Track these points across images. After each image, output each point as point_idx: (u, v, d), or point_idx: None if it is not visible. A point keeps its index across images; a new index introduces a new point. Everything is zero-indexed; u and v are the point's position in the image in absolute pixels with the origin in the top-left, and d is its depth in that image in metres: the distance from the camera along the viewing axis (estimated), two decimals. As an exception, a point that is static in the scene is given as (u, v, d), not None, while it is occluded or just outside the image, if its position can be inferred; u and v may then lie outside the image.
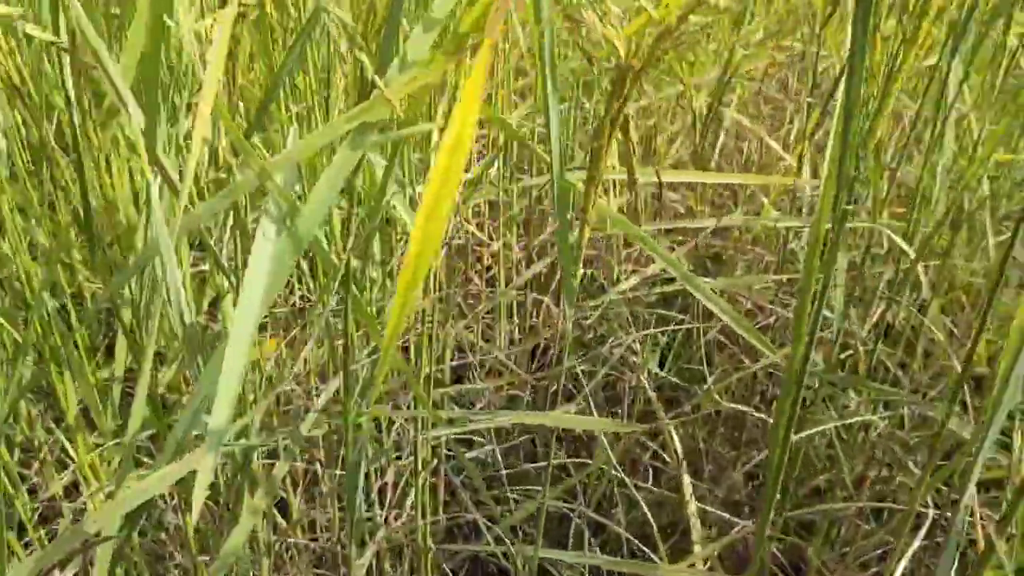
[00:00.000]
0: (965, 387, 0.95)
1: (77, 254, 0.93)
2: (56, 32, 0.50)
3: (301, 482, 1.10)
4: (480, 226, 1.41)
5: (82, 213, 0.59)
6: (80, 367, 0.72)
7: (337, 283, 0.56)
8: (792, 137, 1.60)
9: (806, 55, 1.55)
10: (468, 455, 1.16)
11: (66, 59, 0.53)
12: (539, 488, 1.20)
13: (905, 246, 0.87)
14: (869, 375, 1.20)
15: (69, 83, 0.53)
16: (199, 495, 0.36)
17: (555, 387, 1.45)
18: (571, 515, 1.12)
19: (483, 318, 1.40)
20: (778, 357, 0.85)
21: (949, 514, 1.15)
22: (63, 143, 0.85)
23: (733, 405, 1.05)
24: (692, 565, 0.94)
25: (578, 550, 1.03)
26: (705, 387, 1.27)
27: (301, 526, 1.00)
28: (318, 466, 1.09)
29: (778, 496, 1.16)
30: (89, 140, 0.53)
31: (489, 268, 1.47)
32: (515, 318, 1.43)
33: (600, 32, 0.58)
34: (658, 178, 0.85)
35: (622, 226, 0.76)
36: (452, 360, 1.30)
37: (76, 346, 0.77)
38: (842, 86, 0.44)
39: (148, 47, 0.46)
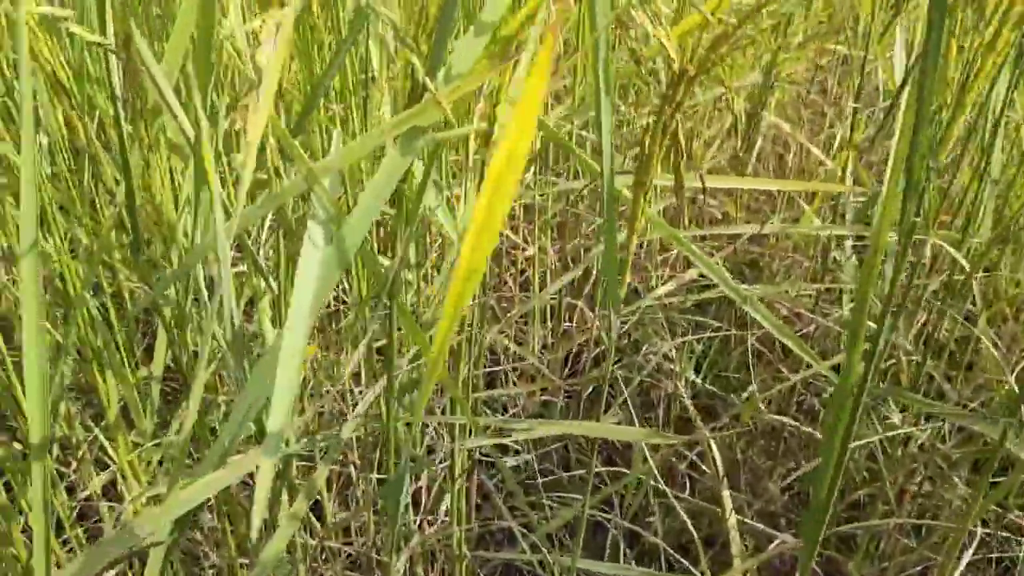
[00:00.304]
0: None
1: (118, 253, 0.94)
2: (103, 33, 0.50)
3: (335, 485, 1.09)
4: (515, 229, 1.40)
5: (126, 213, 0.59)
6: (121, 367, 0.72)
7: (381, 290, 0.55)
8: (834, 142, 1.57)
9: (849, 59, 1.52)
10: (503, 461, 1.15)
11: (111, 58, 0.53)
12: (573, 495, 1.18)
13: (961, 259, 0.84)
14: (911, 387, 1.17)
15: (116, 82, 0.53)
16: (259, 508, 0.35)
17: (590, 393, 1.43)
18: (605, 524, 1.11)
19: (516, 322, 1.39)
20: (824, 368, 0.83)
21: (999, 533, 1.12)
22: (103, 142, 0.85)
23: (774, 416, 1.03)
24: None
25: (614, 560, 1.02)
26: (743, 397, 1.25)
27: (335, 529, 0.99)
28: (352, 469, 1.08)
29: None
30: (135, 139, 0.52)
31: (523, 272, 1.46)
32: (548, 322, 1.42)
33: (652, 35, 0.57)
34: (702, 183, 0.83)
35: (663, 231, 0.75)
36: (485, 365, 1.29)
37: (117, 346, 0.77)
38: (906, 94, 0.42)
39: (198, 51, 0.45)
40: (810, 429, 1.14)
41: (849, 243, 1.23)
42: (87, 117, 0.70)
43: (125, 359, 0.76)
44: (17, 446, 0.90)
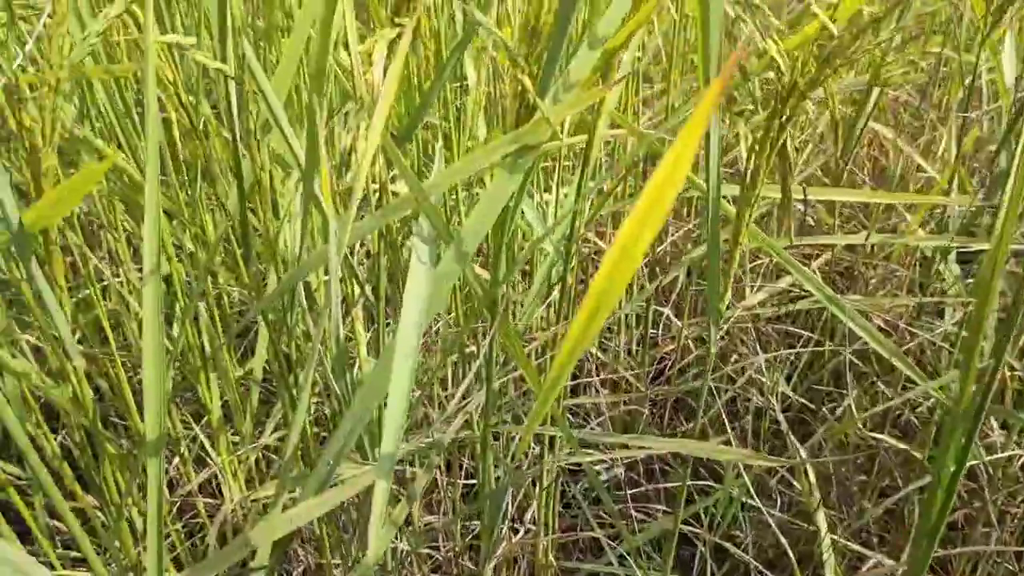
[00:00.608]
0: None
1: (220, 259, 0.97)
2: (222, 59, 0.52)
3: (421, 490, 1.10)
4: (601, 235, 1.39)
5: (238, 224, 0.61)
6: (226, 369, 0.74)
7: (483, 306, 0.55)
8: (934, 147, 1.51)
9: (948, 61, 1.46)
10: (594, 470, 1.14)
11: (230, 81, 0.55)
12: (659, 507, 1.17)
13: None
14: (1015, 402, 1.12)
15: (232, 100, 0.54)
16: (376, 530, 0.36)
17: (676, 403, 1.41)
18: (692, 538, 1.09)
19: (601, 330, 1.38)
20: (931, 388, 0.80)
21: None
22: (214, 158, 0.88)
23: (873, 435, 0.99)
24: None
25: (701, 576, 1.00)
26: (837, 411, 1.22)
27: (422, 534, 1.01)
28: (438, 474, 1.09)
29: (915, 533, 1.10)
30: (249, 156, 0.54)
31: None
32: (634, 330, 1.40)
33: (761, 47, 0.55)
34: (804, 196, 0.81)
35: (761, 242, 0.73)
36: (570, 374, 1.29)
37: (220, 348, 0.79)
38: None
39: (314, 71, 0.46)
40: (907, 447, 1.10)
41: (953, 255, 1.18)
42: (202, 135, 0.73)
43: (230, 363, 0.78)
44: (124, 443, 0.94)
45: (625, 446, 0.67)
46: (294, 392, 0.79)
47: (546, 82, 0.47)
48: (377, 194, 0.56)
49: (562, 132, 0.85)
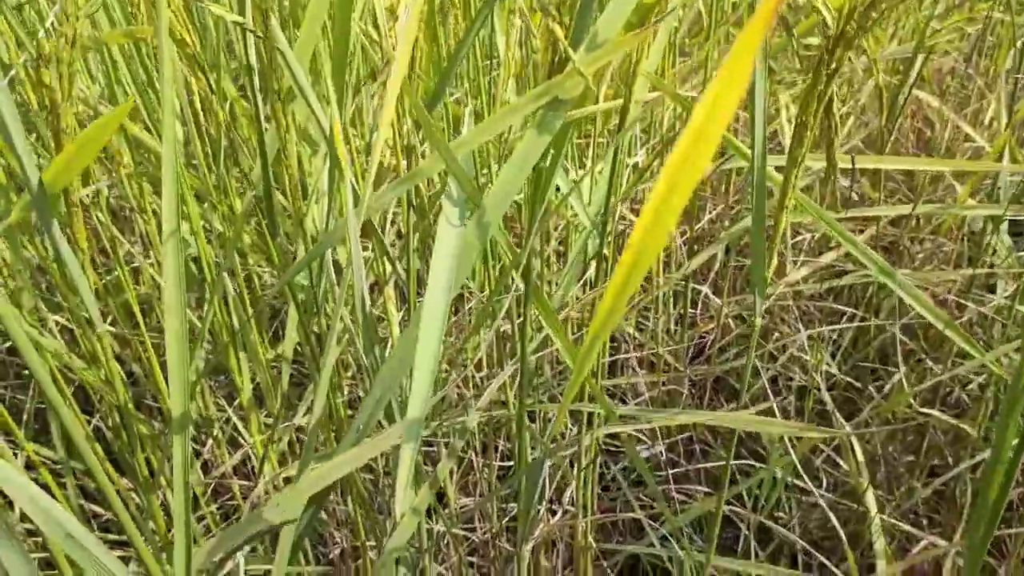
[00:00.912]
0: None
1: (248, 238, 0.96)
2: (241, 12, 0.50)
3: (455, 471, 1.09)
4: (636, 212, 1.36)
5: (262, 193, 0.59)
6: (256, 349, 0.73)
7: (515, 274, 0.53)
8: (981, 116, 1.45)
9: (1006, 26, 1.40)
10: (635, 448, 1.12)
11: (249, 42, 0.53)
12: (700, 487, 1.14)
13: None
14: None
15: (253, 63, 0.53)
16: (401, 489, 0.34)
17: (715, 383, 1.38)
18: (733, 519, 1.06)
19: (638, 308, 1.35)
20: (988, 360, 0.77)
21: None
22: (234, 127, 0.86)
23: (925, 411, 0.96)
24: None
25: (744, 557, 0.97)
26: (885, 390, 1.18)
27: (457, 515, 0.99)
28: (472, 455, 1.08)
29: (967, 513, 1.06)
30: (275, 122, 0.52)
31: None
32: (671, 309, 1.37)
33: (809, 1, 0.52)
34: (851, 164, 0.78)
35: (812, 212, 0.70)
36: (607, 352, 1.26)
37: (250, 329, 0.78)
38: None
39: (338, 32, 0.44)
40: (960, 424, 1.06)
41: (1005, 226, 1.13)
42: (221, 102, 0.72)
43: (259, 342, 0.77)
44: (157, 425, 0.93)
45: (668, 422, 0.64)
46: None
47: (579, 34, 0.45)
48: (406, 161, 0.54)
49: (596, 100, 0.83)
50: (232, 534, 0.53)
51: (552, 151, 0.59)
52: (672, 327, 1.37)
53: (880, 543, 0.90)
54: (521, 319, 0.51)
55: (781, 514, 1.13)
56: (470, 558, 1.08)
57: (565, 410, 0.38)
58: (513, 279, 0.63)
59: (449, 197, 0.48)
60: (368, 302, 0.51)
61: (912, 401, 1.00)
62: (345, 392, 1.02)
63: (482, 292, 0.89)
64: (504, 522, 1.03)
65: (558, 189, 0.83)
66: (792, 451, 0.85)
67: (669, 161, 0.24)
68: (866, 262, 0.72)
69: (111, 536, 0.91)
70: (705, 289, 1.34)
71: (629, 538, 1.21)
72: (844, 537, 0.79)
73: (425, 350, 0.38)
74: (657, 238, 0.27)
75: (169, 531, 0.82)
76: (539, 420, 1.05)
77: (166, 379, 0.73)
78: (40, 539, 0.83)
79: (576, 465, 0.82)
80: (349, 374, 1.06)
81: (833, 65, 0.51)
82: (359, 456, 0.46)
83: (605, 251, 0.69)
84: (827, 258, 1.20)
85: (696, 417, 0.67)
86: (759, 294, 0.58)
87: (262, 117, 0.53)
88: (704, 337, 1.43)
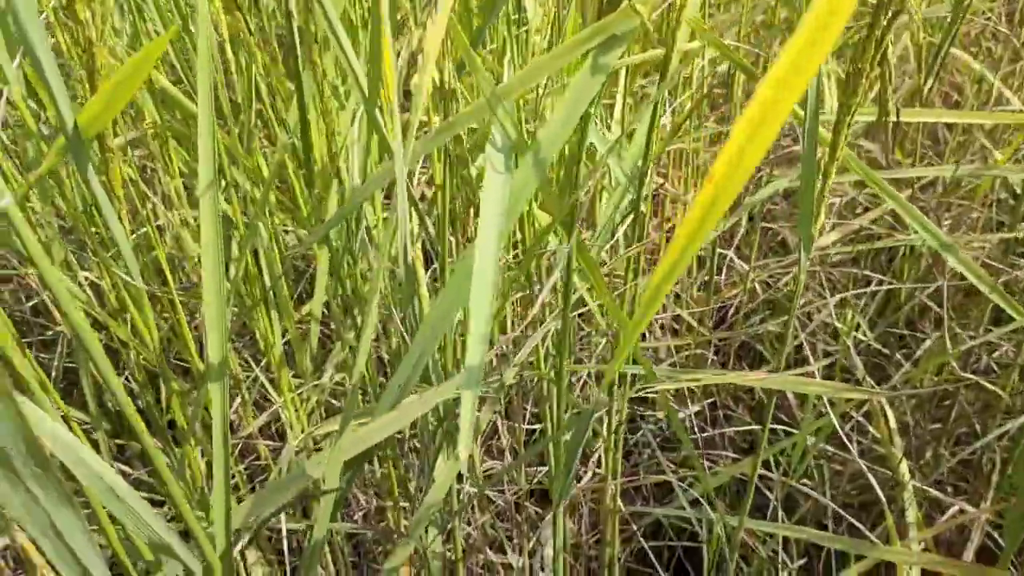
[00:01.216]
0: None
1: (272, 197, 0.94)
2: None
3: (482, 432, 1.08)
4: (664, 176, 1.34)
5: (299, 140, 0.58)
6: (287, 307, 0.72)
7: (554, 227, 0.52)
8: (1014, 79, 1.42)
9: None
10: (675, 410, 1.11)
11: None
12: (724, 453, 1.13)
13: None
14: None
15: (293, 7, 0.51)
16: (465, 440, 0.33)
17: (737, 348, 1.37)
18: (759, 484, 1.05)
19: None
20: (1031, 322, 0.75)
21: None
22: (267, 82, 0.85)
23: (967, 375, 0.94)
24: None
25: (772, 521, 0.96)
26: (915, 356, 1.16)
27: (484, 478, 0.99)
28: (497, 419, 1.07)
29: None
30: (313, 69, 0.51)
31: (668, 219, 1.40)
32: (696, 274, 1.36)
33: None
34: (897, 117, 0.76)
35: (856, 169, 0.68)
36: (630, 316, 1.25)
37: (279, 288, 0.77)
38: None
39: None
40: (995, 388, 1.05)
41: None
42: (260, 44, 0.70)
43: (288, 298, 0.76)
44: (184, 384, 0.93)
45: (713, 380, 0.63)
46: (358, 325, 0.76)
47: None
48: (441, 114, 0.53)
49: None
50: (272, 492, 0.53)
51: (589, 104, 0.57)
52: (695, 292, 1.36)
53: (912, 510, 0.89)
54: (566, 272, 0.49)
55: (806, 481, 1.12)
56: (497, 521, 1.07)
57: (618, 368, 0.37)
58: (557, 233, 0.62)
59: (493, 143, 0.47)
60: (410, 253, 0.50)
61: (951, 364, 0.99)
62: (372, 355, 1.02)
63: (512, 254, 0.87)
64: (530, 485, 1.03)
65: (591, 145, 0.81)
66: (831, 413, 0.84)
67: (763, 86, 0.23)
68: (913, 223, 0.70)
69: (143, 495, 0.91)
70: (730, 253, 1.32)
71: (652, 503, 1.21)
72: (884, 499, 0.78)
73: (480, 296, 0.37)
74: (743, 170, 0.26)
75: (197, 488, 0.82)
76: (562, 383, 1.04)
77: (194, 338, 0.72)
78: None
79: (607, 425, 0.81)
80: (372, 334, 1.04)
81: (893, 11, 0.49)
82: (408, 413, 0.45)
83: (643, 207, 0.67)
84: (857, 222, 1.18)
85: (733, 378, 0.66)
86: (804, 249, 0.57)
87: (300, 62, 0.52)
88: (726, 303, 1.42)
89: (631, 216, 0.73)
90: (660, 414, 1.17)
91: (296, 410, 0.82)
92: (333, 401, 1.06)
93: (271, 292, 0.74)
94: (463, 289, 0.43)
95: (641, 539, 0.91)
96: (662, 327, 1.37)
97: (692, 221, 0.28)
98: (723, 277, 1.36)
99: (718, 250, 1.31)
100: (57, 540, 0.37)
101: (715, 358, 1.35)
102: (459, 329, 0.78)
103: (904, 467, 0.87)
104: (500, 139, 0.47)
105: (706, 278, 1.29)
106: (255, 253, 0.78)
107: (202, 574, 0.49)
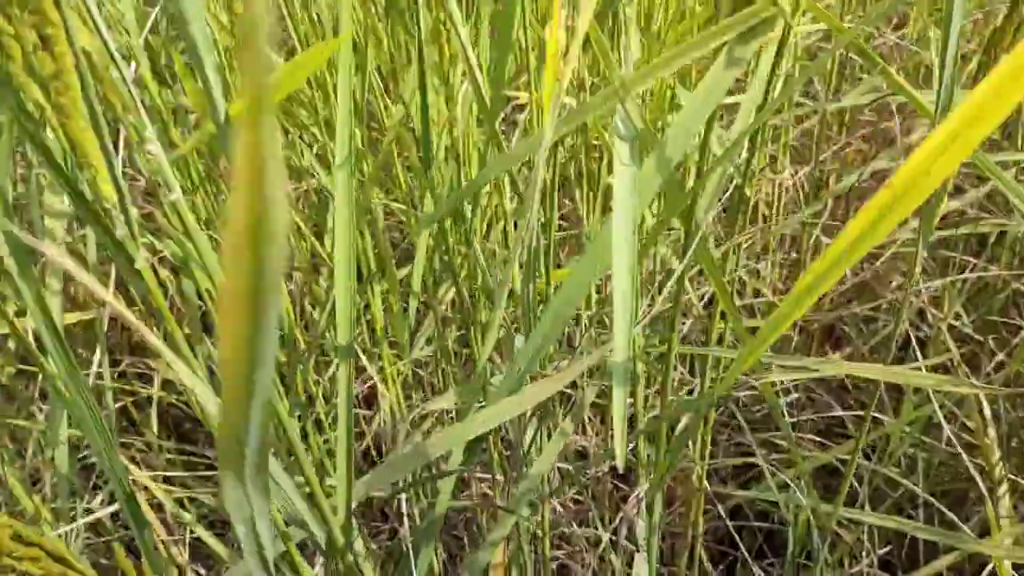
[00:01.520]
0: None
1: (367, 167, 0.96)
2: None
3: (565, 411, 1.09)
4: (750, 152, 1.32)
5: (419, 121, 0.59)
6: (393, 281, 0.74)
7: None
8: None
9: None
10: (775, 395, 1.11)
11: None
12: (810, 436, 1.13)
13: None
14: None
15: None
16: (620, 428, 0.34)
17: (822, 331, 1.35)
18: (842, 470, 1.04)
19: (748, 254, 1.32)
20: None
21: None
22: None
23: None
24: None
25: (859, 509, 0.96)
26: (1011, 345, 1.13)
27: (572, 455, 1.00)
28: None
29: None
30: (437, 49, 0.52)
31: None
32: (781, 254, 1.34)
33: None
34: None
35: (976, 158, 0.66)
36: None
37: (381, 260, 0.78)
38: None
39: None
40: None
41: None
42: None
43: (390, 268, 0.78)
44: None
45: (828, 369, 0.63)
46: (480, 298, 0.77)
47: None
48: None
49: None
50: (391, 468, 0.54)
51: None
52: (780, 272, 1.34)
53: (1006, 500, 0.88)
54: (683, 259, 0.49)
55: (893, 468, 1.10)
56: (579, 496, 1.09)
57: (754, 357, 0.37)
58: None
59: (619, 133, 0.47)
60: (538, 236, 0.50)
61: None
62: (454, 332, 1.03)
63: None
64: (612, 463, 1.04)
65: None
66: (932, 400, 0.83)
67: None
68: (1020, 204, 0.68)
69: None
70: (816, 232, 1.30)
71: (731, 484, 1.21)
72: (984, 490, 0.77)
73: (621, 282, 0.37)
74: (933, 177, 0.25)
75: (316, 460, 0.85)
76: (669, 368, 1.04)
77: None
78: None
79: (698, 408, 0.81)
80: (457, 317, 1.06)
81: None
82: (535, 396, 0.46)
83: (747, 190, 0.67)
84: (960, 204, 1.14)
85: (838, 368, 0.65)
86: (925, 237, 0.56)
87: (422, 36, 0.52)
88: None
89: (731, 200, 0.72)
90: (742, 394, 1.17)
91: (394, 382, 0.84)
92: (419, 371, 1.08)
93: (381, 270, 0.76)
94: (598, 261, 0.43)
95: (727, 521, 0.91)
96: (750, 310, 1.35)
97: (860, 224, 0.28)
98: (809, 257, 1.34)
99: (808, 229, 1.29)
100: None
101: (798, 338, 1.34)
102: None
103: (996, 458, 0.85)
104: (625, 129, 0.48)
105: (799, 256, 1.27)
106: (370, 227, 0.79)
107: (325, 542, 0.51)
